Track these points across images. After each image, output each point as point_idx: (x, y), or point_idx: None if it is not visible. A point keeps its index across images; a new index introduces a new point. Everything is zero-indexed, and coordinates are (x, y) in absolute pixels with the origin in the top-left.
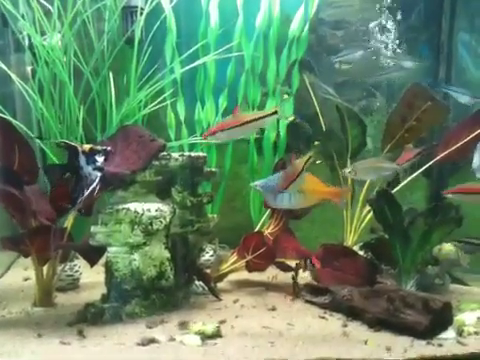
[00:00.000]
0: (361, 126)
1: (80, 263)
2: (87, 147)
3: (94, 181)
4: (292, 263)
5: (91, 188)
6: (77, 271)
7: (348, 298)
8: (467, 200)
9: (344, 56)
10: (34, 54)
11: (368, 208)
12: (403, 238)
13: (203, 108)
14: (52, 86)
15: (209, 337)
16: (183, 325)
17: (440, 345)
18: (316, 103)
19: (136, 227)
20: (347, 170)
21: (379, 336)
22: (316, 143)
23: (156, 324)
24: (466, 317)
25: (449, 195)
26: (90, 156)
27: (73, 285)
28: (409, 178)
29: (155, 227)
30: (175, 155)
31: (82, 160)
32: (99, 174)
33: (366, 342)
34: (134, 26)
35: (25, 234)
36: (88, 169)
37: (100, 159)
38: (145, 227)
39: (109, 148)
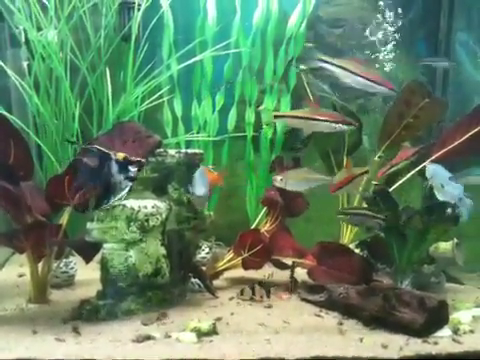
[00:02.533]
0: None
1: (75, 260)
2: (121, 156)
3: (123, 190)
4: (288, 261)
5: (118, 196)
6: (72, 268)
7: (344, 296)
8: (352, 190)
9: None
10: (30, 49)
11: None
12: (399, 237)
13: (200, 105)
14: (48, 81)
15: (205, 334)
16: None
17: (436, 343)
18: (313, 101)
19: (132, 224)
20: (278, 178)
21: (375, 334)
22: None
23: (152, 321)
24: (461, 315)
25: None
26: (123, 165)
27: (68, 282)
28: (405, 177)
29: (151, 224)
30: (172, 152)
31: (114, 168)
32: (130, 184)
33: (362, 340)
34: (131, 22)
35: (20, 230)
36: (119, 177)
37: (133, 169)
38: (141, 224)
39: (143, 160)
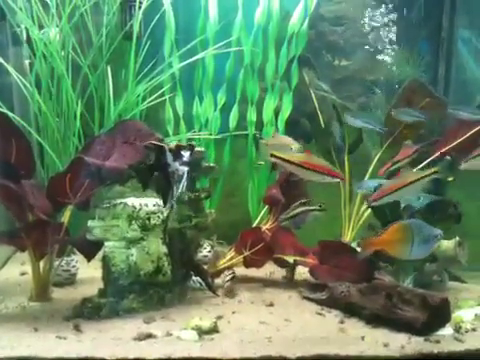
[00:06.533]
0: None
1: (77, 258)
2: (173, 145)
3: (182, 176)
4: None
5: (181, 184)
6: (74, 266)
7: (345, 294)
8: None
9: None
10: (32, 48)
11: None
12: None
13: (201, 103)
14: (50, 80)
15: (206, 332)
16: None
17: (437, 342)
18: (315, 100)
19: (133, 222)
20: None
21: (376, 332)
22: None
23: (153, 319)
24: (464, 314)
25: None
26: (177, 153)
27: (70, 280)
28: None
29: (152, 222)
30: None
31: (169, 158)
32: (186, 169)
33: (363, 338)
34: (133, 20)
35: (22, 228)
36: (175, 165)
37: (186, 154)
38: (142, 222)
39: (194, 143)
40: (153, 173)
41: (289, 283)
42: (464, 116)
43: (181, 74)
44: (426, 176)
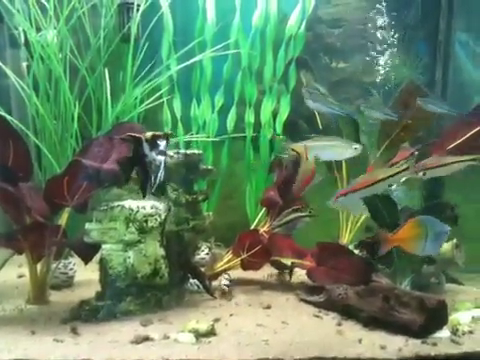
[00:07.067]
0: (353, 124)
1: (75, 260)
2: (149, 135)
3: (159, 166)
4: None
5: (159, 173)
6: (71, 269)
7: (343, 297)
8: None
9: None
10: (30, 50)
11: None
12: None
13: (199, 105)
14: (47, 82)
15: (203, 335)
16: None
17: (434, 344)
18: None
19: (131, 224)
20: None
21: (374, 335)
22: None
23: (150, 322)
24: (461, 316)
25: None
26: (153, 142)
27: (67, 282)
28: (404, 177)
29: (150, 225)
30: (170, 152)
31: (146, 148)
32: (163, 158)
33: (361, 341)
34: (130, 22)
35: (19, 230)
36: (152, 155)
37: (162, 143)
38: (140, 224)
39: (170, 132)
40: (133, 166)
41: (286, 285)
42: (431, 108)
43: (179, 76)
44: (395, 174)
